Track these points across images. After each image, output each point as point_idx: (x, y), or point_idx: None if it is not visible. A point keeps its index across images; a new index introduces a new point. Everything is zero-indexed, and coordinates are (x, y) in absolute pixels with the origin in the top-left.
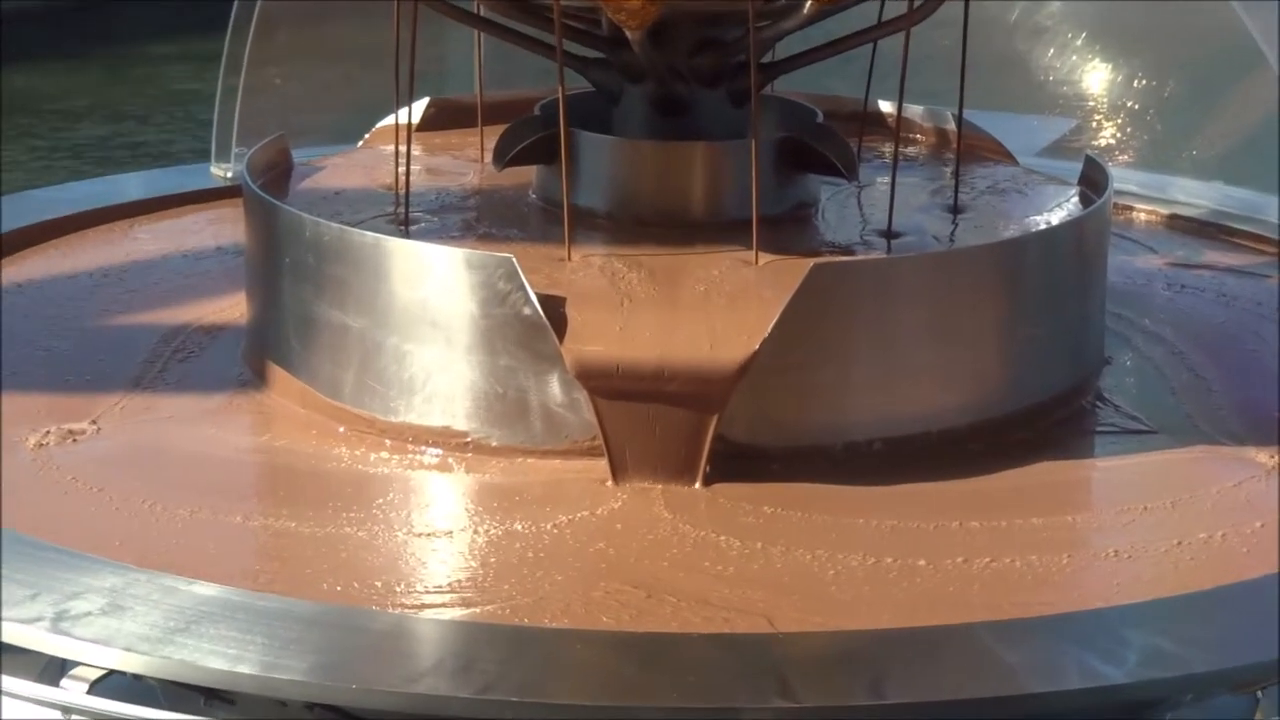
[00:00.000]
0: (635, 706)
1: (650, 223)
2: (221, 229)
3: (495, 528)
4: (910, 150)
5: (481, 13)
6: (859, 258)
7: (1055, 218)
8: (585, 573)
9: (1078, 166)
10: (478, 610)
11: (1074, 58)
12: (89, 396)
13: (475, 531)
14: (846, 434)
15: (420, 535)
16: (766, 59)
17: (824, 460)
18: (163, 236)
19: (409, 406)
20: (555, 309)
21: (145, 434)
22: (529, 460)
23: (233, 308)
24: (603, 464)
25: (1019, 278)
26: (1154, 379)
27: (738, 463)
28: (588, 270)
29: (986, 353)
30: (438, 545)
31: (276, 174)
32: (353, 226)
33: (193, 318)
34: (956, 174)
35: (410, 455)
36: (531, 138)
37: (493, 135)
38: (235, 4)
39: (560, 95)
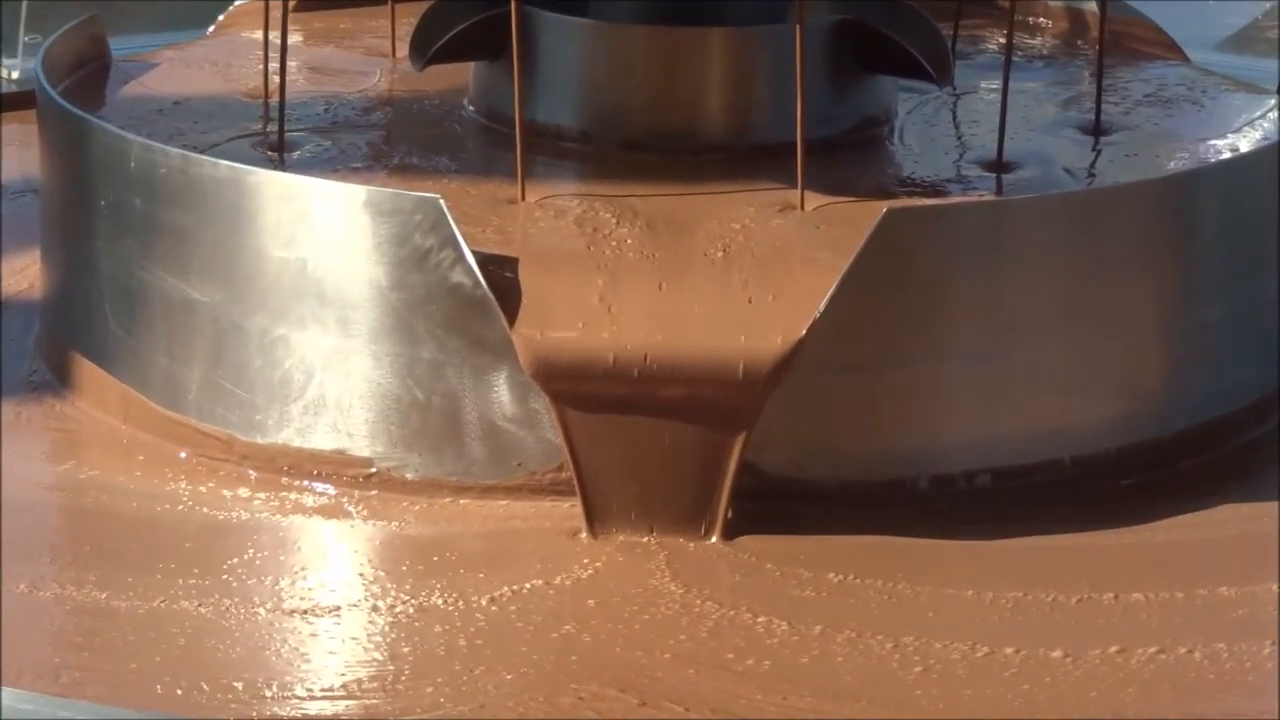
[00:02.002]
0: None
1: (644, 148)
2: (5, 156)
3: (408, 602)
4: (1031, 41)
5: None
6: (953, 200)
7: (1245, 142)
8: (547, 669)
9: (1277, 67)
10: None
11: None
12: None
13: (377, 607)
14: (938, 464)
15: (296, 613)
16: None
17: (906, 502)
18: None
19: (283, 420)
20: (503, 275)
21: None
22: (462, 501)
23: (19, 275)
24: (574, 507)
25: (1192, 232)
26: None
27: (775, 506)
28: (552, 219)
29: (1143, 343)
30: (323, 628)
31: (87, 74)
32: (201, 153)
33: None
34: (1099, 77)
35: (284, 494)
36: (466, 21)
37: (409, 17)
38: None
39: None
